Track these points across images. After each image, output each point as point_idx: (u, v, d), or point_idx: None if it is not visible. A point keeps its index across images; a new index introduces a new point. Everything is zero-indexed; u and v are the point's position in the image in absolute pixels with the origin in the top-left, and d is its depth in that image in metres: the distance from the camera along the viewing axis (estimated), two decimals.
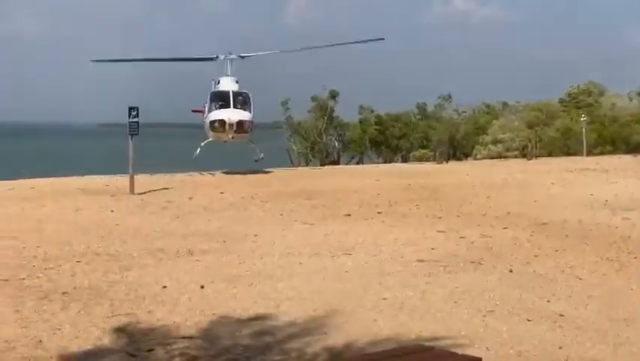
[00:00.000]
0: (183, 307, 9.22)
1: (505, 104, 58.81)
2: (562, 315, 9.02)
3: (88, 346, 7.74)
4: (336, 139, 55.12)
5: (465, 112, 58.26)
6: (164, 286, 10.25)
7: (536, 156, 45.17)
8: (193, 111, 34.63)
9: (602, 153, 45.94)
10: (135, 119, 22.97)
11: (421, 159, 48.84)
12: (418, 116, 59.11)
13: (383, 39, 35.88)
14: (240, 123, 29.16)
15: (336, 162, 51.45)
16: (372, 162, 52.64)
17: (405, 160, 51.86)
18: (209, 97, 31.57)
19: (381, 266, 11.69)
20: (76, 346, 7.73)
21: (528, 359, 7.49)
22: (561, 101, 58.13)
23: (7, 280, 10.56)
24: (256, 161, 31.36)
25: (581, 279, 11.00)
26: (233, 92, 30.18)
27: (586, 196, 20.92)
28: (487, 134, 50.23)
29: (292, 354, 7.50)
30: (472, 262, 11.97)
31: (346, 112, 56.52)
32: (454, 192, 22.52)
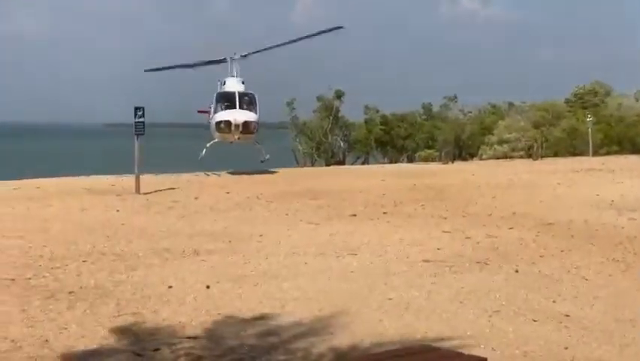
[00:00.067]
0: (189, 307, 9.22)
1: (510, 105, 58.79)
2: (568, 315, 9.00)
3: (94, 345, 7.75)
4: (341, 139, 55.16)
5: (471, 112, 58.27)
6: (170, 286, 10.26)
7: (542, 156, 45.09)
8: (199, 112, 34.66)
9: (608, 153, 45.85)
10: (141, 119, 23.02)
11: (426, 159, 48.84)
12: (424, 117, 59.13)
13: (342, 27, 34.82)
14: (246, 124, 29.17)
15: (342, 162, 51.48)
16: (377, 162, 52.65)
17: (410, 160, 51.86)
18: (214, 98, 31.58)
19: (386, 266, 11.68)
20: (83, 345, 7.74)
21: (534, 359, 7.47)
22: (567, 101, 58.04)
23: (13, 279, 10.59)
24: (262, 162, 31.36)
25: (586, 279, 10.98)
26: (239, 92, 30.19)
27: (592, 197, 20.87)
28: (492, 134, 50.19)
29: (298, 354, 7.50)
30: (478, 263, 11.95)
31: (352, 112, 56.61)
32: (459, 193, 22.50)
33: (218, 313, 8.93)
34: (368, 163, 51.96)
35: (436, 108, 59.47)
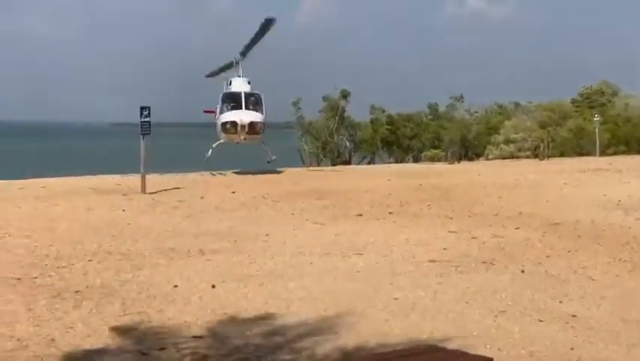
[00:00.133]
0: (194, 307, 9.23)
1: (517, 104, 58.70)
2: (574, 316, 8.97)
3: (100, 344, 7.76)
4: (347, 139, 55.13)
5: (477, 112, 58.19)
6: (176, 286, 10.27)
7: (549, 156, 45.03)
8: (205, 112, 34.70)
9: (615, 153, 45.77)
10: (147, 119, 23.05)
11: (432, 159, 48.80)
12: (430, 117, 59.06)
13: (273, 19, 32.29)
14: (252, 125, 29.16)
15: (348, 162, 51.46)
16: (383, 162, 52.65)
17: (416, 160, 51.81)
18: (220, 98, 31.59)
19: (392, 266, 11.66)
20: (89, 344, 7.75)
21: (540, 359, 7.45)
22: (573, 101, 57.95)
23: (19, 278, 10.61)
24: (268, 162, 31.35)
25: (593, 280, 10.94)
26: (244, 93, 30.19)
27: (599, 196, 20.82)
28: (499, 133, 50.11)
29: (303, 354, 7.49)
30: (484, 263, 11.93)
31: (357, 112, 56.57)
32: (465, 193, 22.47)
33: (224, 313, 8.93)
34: (374, 163, 51.95)
35: (442, 108, 59.39)
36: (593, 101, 56.23)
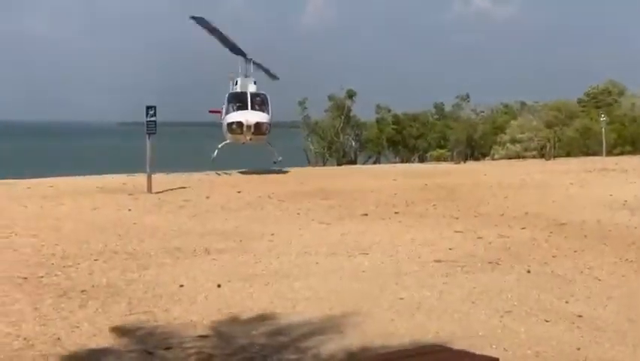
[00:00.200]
0: (200, 306, 9.24)
1: (523, 104, 58.63)
2: (580, 316, 8.95)
3: (105, 344, 7.77)
4: (353, 139, 55.17)
5: (483, 112, 58.17)
6: (181, 285, 10.28)
7: (555, 156, 44.94)
8: (210, 112, 34.64)
9: (621, 153, 45.67)
10: (153, 118, 23.05)
11: (438, 159, 48.78)
12: (436, 116, 59.04)
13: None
14: (258, 125, 29.11)
15: (353, 162, 51.48)
16: (389, 161, 52.62)
17: (422, 160, 51.78)
18: (226, 98, 31.54)
19: (398, 266, 11.66)
20: (95, 343, 7.77)
21: (546, 359, 7.44)
22: (580, 101, 57.84)
23: (26, 277, 10.64)
24: (275, 163, 31.31)
25: (599, 280, 10.92)
26: (250, 93, 30.15)
27: (605, 197, 20.78)
28: (505, 133, 50.04)
29: (308, 353, 7.49)
30: (490, 263, 11.92)
31: (363, 111, 56.58)
32: (471, 193, 22.45)
33: (230, 312, 8.94)
34: (380, 163, 51.92)
35: (448, 108, 59.40)
36: (599, 100, 56.14)
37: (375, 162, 52.60)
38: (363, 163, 51.23)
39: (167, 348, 7.62)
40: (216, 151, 30.64)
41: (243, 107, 29.91)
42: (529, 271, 11.32)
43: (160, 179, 23.97)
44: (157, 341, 7.88)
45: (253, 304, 9.34)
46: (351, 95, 53.89)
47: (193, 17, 29.84)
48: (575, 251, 13.00)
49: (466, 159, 46.01)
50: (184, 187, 23.31)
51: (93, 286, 10.22)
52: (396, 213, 17.85)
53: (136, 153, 27.38)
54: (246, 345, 7.72)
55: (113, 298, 9.59)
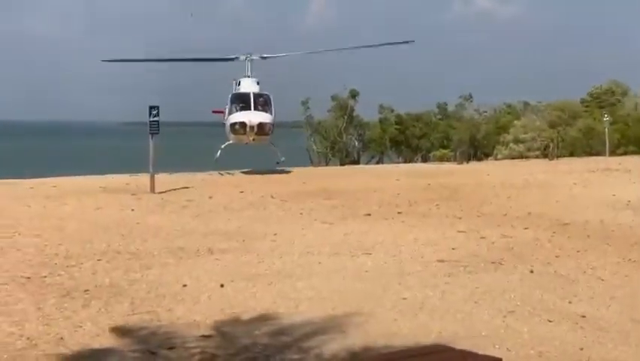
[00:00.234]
0: (203, 306, 9.25)
1: (526, 104, 58.58)
2: (583, 316, 8.95)
3: (108, 343, 7.78)
4: (356, 138, 55.22)
5: (486, 112, 58.14)
6: (185, 285, 10.29)
7: (558, 156, 44.89)
8: (213, 112, 34.61)
9: (625, 153, 45.56)
10: (155, 118, 23.08)
11: (441, 159, 48.74)
12: (439, 116, 59.03)
13: (413, 41, 34.96)
14: (261, 126, 29.09)
15: (356, 162, 51.50)
16: (392, 161, 52.64)
17: (425, 160, 51.78)
18: (229, 98, 31.53)
19: (401, 266, 11.66)
20: (98, 343, 7.78)
21: (549, 360, 7.44)
22: (583, 101, 57.77)
23: (29, 277, 10.65)
24: (277, 163, 31.29)
25: (602, 280, 10.91)
26: (253, 93, 30.12)
27: (608, 197, 20.75)
28: (508, 133, 50.00)
29: (311, 353, 7.49)
30: (493, 263, 11.91)
31: (366, 111, 56.62)
32: (474, 192, 22.43)
33: (233, 312, 8.94)
34: (382, 163, 51.94)
35: (451, 108, 59.39)
36: (602, 100, 56.05)
37: (378, 162, 52.63)
38: (366, 163, 51.24)
39: (170, 348, 7.63)
40: (219, 152, 30.63)
41: (246, 107, 29.89)
42: (532, 271, 11.31)
43: (163, 179, 23.99)
44: (160, 340, 7.88)
45: (256, 304, 9.35)
46: (354, 95, 53.92)
47: None
48: (578, 251, 12.99)
49: (469, 159, 45.98)
50: (187, 187, 23.33)
51: (96, 285, 10.24)
52: (399, 213, 17.84)
53: (139, 153, 27.39)
54: (248, 345, 7.72)
55: (116, 298, 9.60)
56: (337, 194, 21.66)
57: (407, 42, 33.76)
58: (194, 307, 9.18)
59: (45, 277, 10.73)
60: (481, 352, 6.14)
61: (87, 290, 9.94)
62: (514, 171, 31.69)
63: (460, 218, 16.93)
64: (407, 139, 55.64)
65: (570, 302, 9.61)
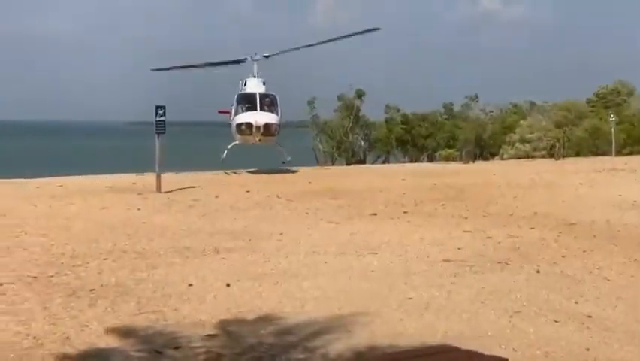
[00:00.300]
0: (209, 305, 9.25)
1: (532, 104, 58.48)
2: (590, 316, 8.93)
3: (114, 343, 7.79)
4: (362, 138, 55.21)
5: (492, 112, 58.05)
6: (191, 284, 10.30)
7: (564, 156, 44.82)
8: (219, 112, 34.60)
9: (631, 153, 45.51)
10: (162, 118, 23.10)
11: (447, 159, 48.71)
12: (445, 116, 58.98)
13: (379, 29, 33.95)
14: (267, 126, 29.06)
15: (362, 161, 51.52)
16: (398, 161, 52.59)
17: (431, 160, 51.76)
18: (235, 99, 31.51)
19: (407, 266, 11.65)
20: (104, 343, 7.79)
21: (555, 360, 7.43)
22: (589, 101, 57.66)
23: (35, 277, 10.67)
24: (283, 163, 31.28)
25: (609, 280, 10.89)
26: (259, 94, 30.09)
27: (614, 197, 20.72)
28: (514, 132, 49.92)
29: (317, 353, 7.49)
30: (499, 263, 11.89)
31: (372, 111, 56.61)
32: (480, 192, 22.40)
33: (239, 312, 8.95)
34: (389, 162, 51.91)
35: (457, 108, 59.35)
36: (608, 100, 55.98)
37: (384, 162, 52.61)
38: (372, 163, 51.22)
39: (176, 347, 7.63)
40: (225, 152, 30.61)
41: (252, 107, 29.87)
42: (538, 271, 11.29)
43: (169, 178, 24.02)
44: (166, 340, 7.89)
45: (262, 303, 9.35)
46: (360, 94, 53.90)
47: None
48: (585, 251, 12.96)
49: (475, 159, 45.93)
50: (193, 187, 23.35)
51: (102, 285, 10.25)
52: (405, 212, 17.83)
53: (145, 152, 27.42)
54: (254, 344, 7.72)
55: (122, 297, 9.61)
56: (343, 194, 21.66)
57: (372, 30, 32.89)
58: (200, 307, 9.18)
59: (51, 276, 10.75)
60: (487, 352, 6.13)
61: (93, 290, 9.96)
62: (520, 171, 31.65)
63: (466, 218, 16.91)
64: (413, 139, 55.62)
65: (576, 302, 9.59)
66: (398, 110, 57.38)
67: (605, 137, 45.55)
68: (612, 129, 42.45)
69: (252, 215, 17.45)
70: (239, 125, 29.67)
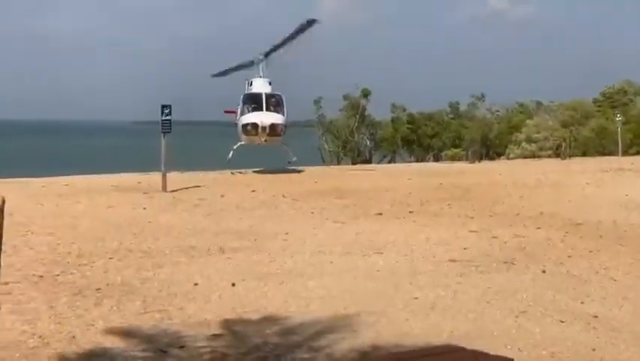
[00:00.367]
0: (214, 305, 9.26)
1: (539, 104, 58.33)
2: (596, 316, 8.91)
3: (120, 342, 7.80)
4: (368, 138, 55.14)
5: (498, 111, 57.90)
6: (196, 284, 10.30)
7: (570, 156, 44.72)
8: (226, 112, 34.59)
9: (637, 153, 45.41)
10: (168, 117, 23.12)
11: (453, 158, 48.62)
12: (451, 115, 58.86)
13: (316, 20, 32.70)
14: (273, 126, 29.05)
15: (368, 161, 51.45)
16: (404, 161, 52.52)
17: (437, 159, 51.68)
18: (241, 99, 31.51)
19: (412, 266, 11.64)
20: (109, 342, 7.79)
21: (561, 360, 7.41)
22: (595, 100, 57.53)
23: (41, 276, 10.69)
24: (289, 163, 31.26)
25: (615, 280, 10.86)
26: (265, 94, 30.07)
27: (621, 197, 20.66)
28: (520, 132, 49.81)
29: (322, 353, 7.49)
30: (505, 263, 11.87)
31: (378, 111, 56.51)
32: (486, 192, 22.37)
33: (244, 311, 8.95)
34: (394, 162, 51.85)
35: (463, 107, 59.20)
36: (615, 100, 55.82)
37: (390, 162, 52.53)
38: (378, 162, 51.17)
39: (181, 347, 7.64)
40: (231, 152, 30.60)
41: (258, 108, 29.87)
42: (544, 271, 11.27)
43: (175, 178, 24.04)
44: (171, 339, 7.89)
45: (267, 303, 9.35)
46: (366, 94, 53.82)
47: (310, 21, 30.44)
48: (591, 251, 12.93)
49: (481, 159, 45.86)
50: (199, 186, 23.37)
51: (108, 284, 10.26)
52: (410, 212, 17.81)
53: (151, 151, 27.45)
54: (259, 344, 7.72)
55: (127, 296, 9.62)
56: (349, 193, 21.65)
57: (311, 22, 31.94)
58: (205, 306, 9.19)
59: (57, 275, 10.77)
60: (492, 352, 6.12)
61: (99, 289, 9.97)
62: (527, 171, 31.60)
63: (472, 218, 16.89)
64: (419, 138, 55.52)
65: (582, 303, 9.57)
66: (404, 110, 57.27)
67: (612, 137, 45.42)
68: (619, 129, 42.32)
69: (257, 215, 17.45)
70: (245, 125, 29.66)
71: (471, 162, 41.34)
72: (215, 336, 7.99)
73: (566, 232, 14.86)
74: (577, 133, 49.12)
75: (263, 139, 29.39)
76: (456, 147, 53.01)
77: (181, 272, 11.09)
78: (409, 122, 56.05)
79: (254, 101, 30.37)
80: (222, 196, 20.86)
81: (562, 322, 8.67)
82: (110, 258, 12.01)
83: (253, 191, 22.24)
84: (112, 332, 8.12)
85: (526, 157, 46.14)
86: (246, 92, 31.49)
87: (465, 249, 12.98)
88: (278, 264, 11.72)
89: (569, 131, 48.43)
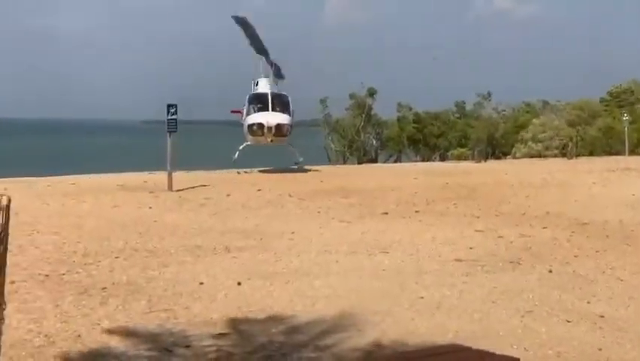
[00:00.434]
0: (220, 304, 9.26)
1: (545, 103, 58.18)
2: (602, 316, 8.88)
3: (125, 341, 7.81)
4: (374, 137, 55.10)
5: (504, 111, 57.77)
6: (202, 283, 10.31)
7: (577, 156, 44.62)
8: (232, 112, 34.60)
9: None
10: (174, 117, 23.15)
11: (459, 158, 48.54)
12: (457, 115, 58.76)
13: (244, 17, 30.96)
14: (279, 127, 29.02)
15: (374, 160, 51.43)
16: (410, 160, 52.47)
17: (443, 159, 51.59)
18: (247, 99, 31.48)
19: (418, 265, 11.62)
20: (115, 341, 7.80)
21: (567, 360, 7.39)
22: (602, 100, 57.38)
23: (47, 275, 10.71)
24: (296, 163, 31.21)
25: (621, 280, 10.83)
26: (271, 94, 30.06)
27: (627, 196, 20.60)
28: (527, 131, 49.70)
29: (327, 352, 7.48)
30: (511, 262, 11.85)
31: (384, 110, 56.49)
32: (492, 191, 22.34)
33: (249, 310, 8.95)
34: (400, 161, 51.82)
35: (469, 106, 59.09)
36: (622, 100, 55.66)
37: (395, 161, 52.52)
38: (384, 162, 51.15)
39: (187, 346, 7.64)
40: (237, 153, 30.59)
41: (263, 108, 29.84)
42: (550, 271, 11.24)
43: (180, 177, 24.05)
44: (176, 338, 7.90)
45: (273, 302, 9.35)
46: (372, 93, 53.79)
47: (235, 18, 29.88)
48: (597, 251, 12.90)
49: (487, 158, 45.78)
50: (204, 185, 23.37)
51: (114, 283, 10.27)
52: (416, 211, 17.80)
53: (157, 150, 27.47)
54: (265, 343, 7.72)
55: (133, 295, 9.63)
56: (355, 193, 21.63)
57: (239, 17, 31.01)
58: (210, 305, 9.19)
59: (63, 274, 10.78)
60: (498, 352, 6.10)
61: (105, 288, 9.98)
62: (533, 170, 31.54)
63: (478, 217, 16.86)
64: (425, 138, 55.45)
65: (589, 302, 9.54)
66: (410, 109, 57.22)
67: (619, 136, 45.29)
68: (625, 129, 42.20)
69: (263, 214, 17.45)
70: (250, 125, 29.64)
71: (477, 162, 41.29)
72: (221, 335, 7.99)
73: (573, 232, 14.83)
74: (584, 133, 49.00)
75: (269, 139, 29.37)
76: (462, 146, 52.92)
77: (187, 271, 11.10)
78: (414, 122, 55.99)
79: (260, 101, 30.35)
80: (228, 195, 20.86)
81: (568, 322, 8.65)
82: (116, 257, 12.03)
83: (259, 190, 22.25)
84: (117, 331, 8.13)
85: (532, 157, 46.04)
86: (252, 91, 31.48)
87: (471, 248, 12.96)
88: (284, 263, 11.72)
89: (575, 131, 48.31)
